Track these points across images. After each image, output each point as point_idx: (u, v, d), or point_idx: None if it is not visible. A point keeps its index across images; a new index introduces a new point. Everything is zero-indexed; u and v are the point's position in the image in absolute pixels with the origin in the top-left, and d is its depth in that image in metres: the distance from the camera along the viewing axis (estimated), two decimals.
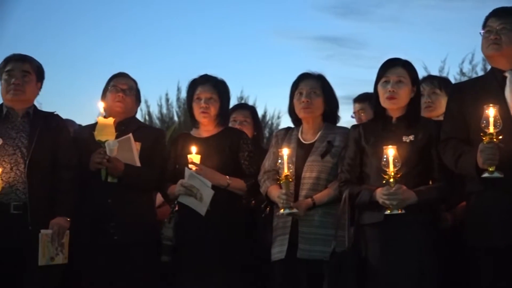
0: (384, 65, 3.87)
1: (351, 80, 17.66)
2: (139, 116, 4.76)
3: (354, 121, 5.22)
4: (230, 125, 4.73)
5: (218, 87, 4.41)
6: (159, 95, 14.07)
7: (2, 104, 4.29)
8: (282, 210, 3.92)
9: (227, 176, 4.22)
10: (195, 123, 4.46)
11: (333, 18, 20.59)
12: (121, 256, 4.17)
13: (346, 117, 5.32)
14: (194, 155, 4.16)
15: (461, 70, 12.86)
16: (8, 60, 4.28)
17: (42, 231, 3.98)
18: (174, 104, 13.81)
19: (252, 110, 5.27)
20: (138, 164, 4.32)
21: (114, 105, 4.42)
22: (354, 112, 5.30)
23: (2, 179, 4.00)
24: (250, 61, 19.39)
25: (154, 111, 13.66)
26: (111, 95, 4.44)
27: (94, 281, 4.19)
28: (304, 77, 4.25)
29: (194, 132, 4.47)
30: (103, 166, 4.19)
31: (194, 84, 4.45)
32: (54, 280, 4.09)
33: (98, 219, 4.22)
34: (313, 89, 4.19)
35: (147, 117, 13.37)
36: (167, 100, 13.86)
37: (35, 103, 4.37)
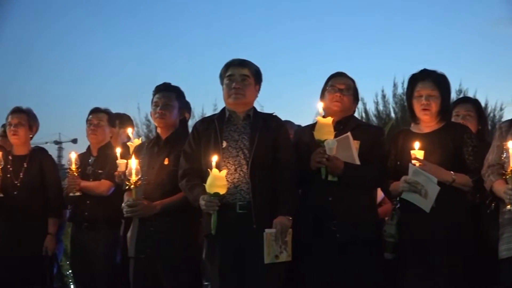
0: None
1: None
2: (356, 113, 4.90)
3: None
4: (452, 119, 4.74)
5: (439, 82, 4.43)
6: (375, 92, 14.13)
7: (224, 108, 4.60)
8: (508, 206, 3.86)
9: (452, 172, 4.23)
10: (415, 119, 4.51)
11: None
12: (344, 254, 4.34)
13: None
14: (417, 151, 4.21)
15: None
16: (228, 65, 4.57)
17: (267, 230, 4.21)
18: (391, 100, 13.77)
19: (475, 103, 5.19)
20: (358, 162, 4.45)
21: (332, 105, 4.59)
22: None
23: (227, 180, 4.29)
24: (468, 52, 18.83)
25: (371, 108, 13.73)
26: (329, 95, 4.62)
27: (317, 279, 4.39)
28: None
29: (414, 128, 4.52)
30: (323, 165, 4.37)
31: (413, 80, 4.50)
32: (279, 276, 4.30)
33: (320, 217, 4.41)
34: None
35: (363, 115, 13.45)
36: (383, 96, 13.86)
37: (255, 105, 4.64)
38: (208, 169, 4.25)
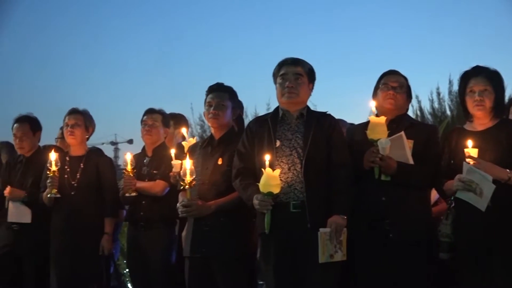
0: None
1: None
2: (410, 112, 4.86)
3: None
4: (510, 116, 4.72)
5: (492, 78, 4.37)
6: (430, 89, 13.95)
7: (278, 107, 4.62)
8: None
9: (507, 170, 4.15)
10: (468, 117, 4.46)
11: None
12: (397, 254, 4.32)
13: None
14: (471, 149, 4.16)
15: None
16: (281, 64, 4.59)
17: (321, 229, 4.21)
18: (446, 98, 13.58)
19: None
20: (411, 161, 4.42)
21: (385, 103, 4.57)
22: None
23: (281, 179, 4.31)
24: None
25: (426, 106, 13.56)
26: (382, 93, 4.60)
27: (370, 278, 4.39)
28: None
29: (468, 126, 4.47)
30: (376, 164, 4.36)
31: (466, 77, 4.44)
32: (334, 276, 4.31)
33: (373, 217, 4.39)
34: None
35: (418, 113, 13.30)
36: (438, 94, 13.66)
37: (309, 104, 4.64)
38: (262, 168, 4.28)
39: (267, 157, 4.29)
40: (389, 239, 4.35)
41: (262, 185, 4.26)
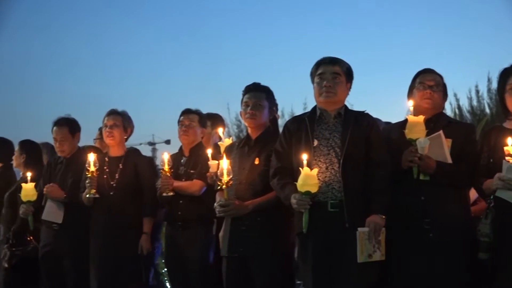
0: None
1: None
2: (448, 110, 4.84)
3: None
4: None
5: None
6: (468, 87, 13.82)
7: (315, 106, 4.63)
8: None
9: None
10: (508, 115, 4.43)
11: None
12: (437, 253, 4.30)
13: None
14: (511, 147, 4.12)
15: None
16: (319, 63, 4.59)
17: (359, 229, 4.21)
18: (485, 95, 13.44)
19: None
20: (450, 161, 4.39)
21: (423, 102, 4.54)
22: None
23: (319, 179, 4.32)
24: None
25: (464, 104, 13.44)
26: (419, 92, 4.57)
27: (410, 278, 4.35)
28: None
29: (507, 124, 4.44)
30: (415, 164, 4.33)
31: (505, 74, 4.41)
32: (373, 276, 4.30)
33: (412, 216, 4.36)
34: None
35: (457, 111, 13.19)
36: (477, 92, 13.54)
37: (346, 103, 4.63)
38: (300, 168, 4.29)
39: (305, 157, 4.29)
40: (429, 238, 4.32)
41: (300, 184, 4.27)
